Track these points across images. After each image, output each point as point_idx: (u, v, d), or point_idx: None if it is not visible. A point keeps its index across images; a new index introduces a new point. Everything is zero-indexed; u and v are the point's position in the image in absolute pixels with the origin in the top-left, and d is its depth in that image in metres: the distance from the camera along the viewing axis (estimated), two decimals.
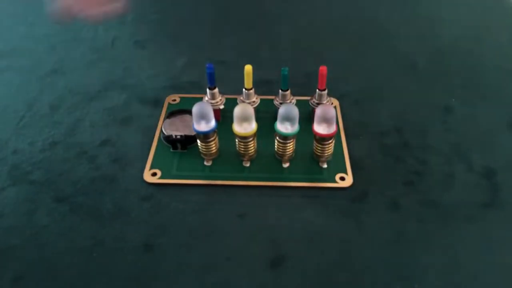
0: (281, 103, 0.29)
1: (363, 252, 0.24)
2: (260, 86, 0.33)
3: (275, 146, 0.28)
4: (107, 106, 0.33)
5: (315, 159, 0.28)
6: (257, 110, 0.29)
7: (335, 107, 0.32)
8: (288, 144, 0.27)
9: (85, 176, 0.28)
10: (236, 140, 0.27)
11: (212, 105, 0.29)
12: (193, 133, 0.29)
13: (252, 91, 0.29)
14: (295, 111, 0.26)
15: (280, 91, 0.30)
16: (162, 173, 0.28)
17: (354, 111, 0.33)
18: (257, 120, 0.27)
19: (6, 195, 0.27)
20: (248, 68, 0.28)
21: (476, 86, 0.35)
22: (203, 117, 0.26)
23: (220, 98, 0.30)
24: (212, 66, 0.28)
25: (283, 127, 0.26)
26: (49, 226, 0.25)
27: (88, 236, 0.25)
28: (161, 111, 0.32)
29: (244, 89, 0.29)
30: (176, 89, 0.34)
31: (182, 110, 0.31)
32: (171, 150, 0.29)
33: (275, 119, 0.27)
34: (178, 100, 0.33)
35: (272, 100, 0.30)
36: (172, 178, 0.27)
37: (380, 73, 0.37)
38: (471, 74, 0.36)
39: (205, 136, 0.27)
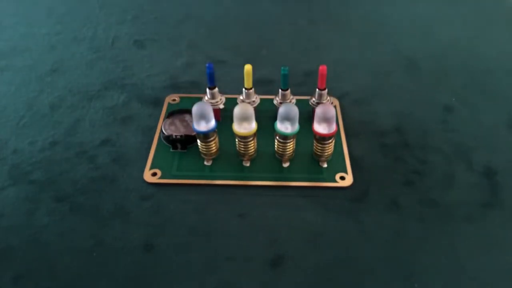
0: (281, 103, 0.29)
1: (363, 252, 0.24)
2: (260, 85, 0.33)
3: (275, 146, 0.28)
4: (107, 105, 0.33)
5: (315, 158, 0.28)
6: (257, 110, 0.29)
7: (335, 106, 0.32)
8: (288, 144, 0.27)
9: (85, 176, 0.28)
10: (236, 140, 0.27)
11: (212, 105, 0.29)
12: (193, 133, 0.29)
13: (252, 90, 0.29)
14: (295, 111, 0.26)
15: (280, 90, 0.30)
16: (162, 173, 0.28)
17: (354, 110, 0.33)
18: (257, 120, 0.27)
19: (6, 195, 0.27)
20: (248, 68, 0.28)
21: (476, 86, 0.35)
22: (203, 117, 0.26)
23: (220, 98, 0.30)
24: (212, 66, 0.28)
25: (283, 127, 0.26)
26: (49, 226, 0.25)
27: (88, 236, 0.25)
28: (161, 111, 0.32)
29: (244, 89, 0.29)
30: (176, 89, 0.34)
31: (182, 110, 0.31)
32: (171, 150, 0.29)
33: (275, 118, 0.27)
34: (178, 100, 0.33)
35: (272, 99, 0.30)
36: (172, 178, 0.27)
37: (380, 72, 0.36)
38: (471, 74, 0.36)
39: (205, 136, 0.27)
